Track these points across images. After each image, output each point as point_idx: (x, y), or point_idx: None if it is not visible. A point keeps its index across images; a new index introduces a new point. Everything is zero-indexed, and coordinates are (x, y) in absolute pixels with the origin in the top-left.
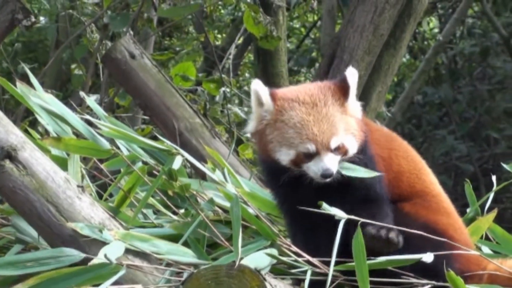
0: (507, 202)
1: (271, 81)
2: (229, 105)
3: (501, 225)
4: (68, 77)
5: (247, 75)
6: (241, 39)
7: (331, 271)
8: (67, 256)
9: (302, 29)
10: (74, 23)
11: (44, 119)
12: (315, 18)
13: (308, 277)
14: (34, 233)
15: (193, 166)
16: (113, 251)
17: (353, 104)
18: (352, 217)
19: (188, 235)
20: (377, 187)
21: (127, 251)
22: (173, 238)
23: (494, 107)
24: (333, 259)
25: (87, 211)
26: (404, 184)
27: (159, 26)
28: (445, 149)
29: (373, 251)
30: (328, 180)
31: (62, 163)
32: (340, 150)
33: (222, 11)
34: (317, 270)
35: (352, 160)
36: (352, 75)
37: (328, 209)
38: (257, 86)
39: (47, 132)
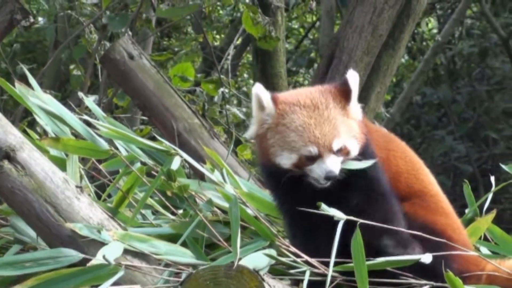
0: (505, 202)
1: (269, 82)
2: (227, 106)
3: (500, 226)
4: (67, 77)
5: (245, 75)
6: (240, 39)
7: (330, 271)
8: (66, 256)
9: (301, 30)
10: (73, 24)
11: (42, 120)
12: (314, 18)
13: (306, 277)
14: (32, 233)
15: (191, 166)
16: (111, 252)
17: (354, 106)
18: (351, 217)
19: (186, 236)
20: (382, 181)
21: (126, 251)
22: (171, 239)
23: (493, 107)
24: (332, 259)
25: (85, 211)
26: (402, 184)
27: (157, 26)
28: (444, 149)
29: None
30: (330, 182)
31: (61, 164)
32: (342, 152)
33: (221, 11)
34: (316, 270)
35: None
36: (353, 77)
37: (327, 210)
38: (258, 90)
39: (45, 132)
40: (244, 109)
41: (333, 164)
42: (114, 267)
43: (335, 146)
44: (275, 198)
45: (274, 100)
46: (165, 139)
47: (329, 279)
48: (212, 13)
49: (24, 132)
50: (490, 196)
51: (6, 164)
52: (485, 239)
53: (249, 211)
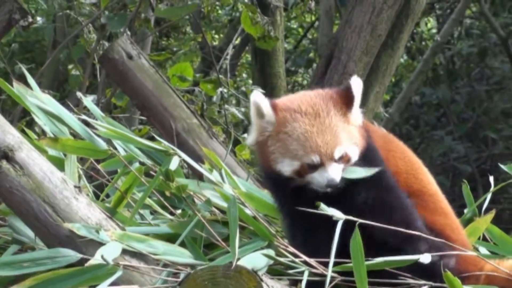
0: (505, 203)
1: (268, 82)
2: (226, 106)
3: (499, 226)
4: (65, 77)
5: (244, 75)
6: (239, 39)
7: (329, 272)
8: (64, 256)
9: (300, 30)
10: (71, 24)
11: (41, 120)
12: (313, 18)
13: (305, 277)
14: (30, 233)
15: (190, 166)
16: (110, 252)
17: (356, 112)
18: (350, 217)
19: (185, 236)
20: (386, 176)
21: (124, 251)
22: (170, 239)
23: (492, 107)
24: (332, 260)
25: (84, 211)
26: (402, 184)
27: (156, 26)
28: (443, 149)
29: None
30: (331, 189)
31: (59, 164)
32: (344, 159)
33: (220, 11)
34: (314, 270)
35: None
36: (357, 84)
37: (326, 210)
38: (257, 97)
39: (44, 132)
40: (242, 109)
41: (334, 172)
42: (112, 267)
43: (337, 154)
44: (275, 199)
45: (274, 107)
46: (164, 139)
47: (328, 279)
48: (211, 12)
49: (23, 132)
50: (489, 196)
51: (4, 164)
52: (484, 239)
53: (247, 211)
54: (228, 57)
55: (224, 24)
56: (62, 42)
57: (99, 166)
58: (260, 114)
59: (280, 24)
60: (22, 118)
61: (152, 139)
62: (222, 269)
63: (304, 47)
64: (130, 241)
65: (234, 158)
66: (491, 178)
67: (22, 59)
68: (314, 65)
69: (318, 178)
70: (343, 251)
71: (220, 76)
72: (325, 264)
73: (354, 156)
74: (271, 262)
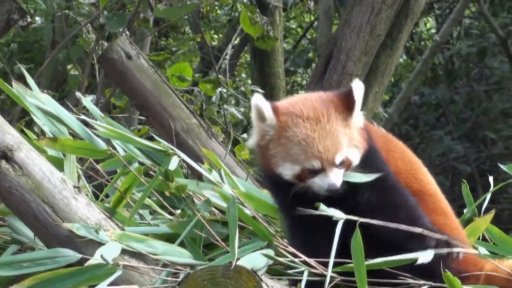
0: (504, 203)
1: (267, 82)
2: (225, 106)
3: (499, 226)
4: (64, 77)
5: (243, 75)
6: (238, 39)
7: (329, 272)
8: (63, 256)
9: (299, 30)
10: (70, 23)
11: (40, 120)
12: (312, 18)
13: (304, 277)
14: (30, 233)
15: (189, 166)
16: (109, 252)
17: (357, 115)
18: (350, 217)
19: (184, 236)
20: (388, 175)
21: (124, 251)
22: (169, 239)
23: (491, 107)
24: (332, 260)
25: (83, 211)
26: (402, 184)
27: (155, 26)
28: (442, 149)
29: None
30: (332, 194)
31: (58, 164)
32: (345, 164)
33: (219, 11)
34: (314, 270)
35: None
36: (358, 88)
37: (325, 210)
38: (258, 101)
39: (43, 132)
40: (242, 109)
41: (335, 177)
42: (111, 266)
43: (338, 160)
44: (276, 200)
45: (275, 111)
46: (163, 139)
47: (328, 279)
48: (210, 12)
49: (22, 132)
50: (488, 196)
51: (3, 164)
52: (484, 239)
53: (247, 211)
54: (227, 57)
55: (223, 24)
56: (61, 42)
57: (98, 166)
58: (262, 117)
59: (279, 24)
60: (21, 118)
61: (151, 139)
62: (221, 269)
63: (303, 47)
64: (129, 241)
65: (233, 158)
66: (491, 178)
67: (21, 59)
68: (313, 65)
69: (319, 183)
70: (343, 251)
71: (219, 76)
72: (325, 264)
73: (355, 160)
74: (271, 262)
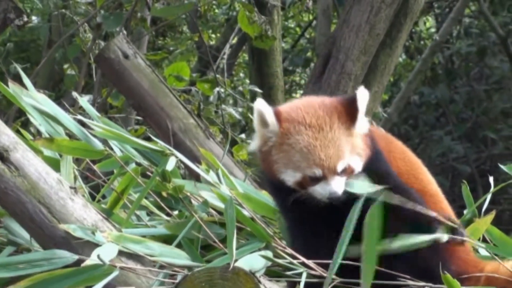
0: (505, 203)
1: (265, 81)
2: (223, 106)
3: (499, 227)
4: (61, 77)
5: (241, 75)
6: (236, 38)
7: (333, 270)
8: (60, 258)
9: (297, 29)
10: (67, 23)
11: (36, 120)
12: (310, 17)
13: (303, 279)
14: (26, 235)
15: (187, 167)
16: (106, 253)
17: (361, 122)
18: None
19: (182, 237)
20: (391, 175)
21: (120, 253)
22: (166, 240)
23: (491, 107)
24: (337, 262)
25: (79, 212)
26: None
27: (152, 25)
28: (442, 150)
29: None
30: (334, 202)
31: (55, 164)
32: (346, 172)
33: (217, 10)
34: (313, 272)
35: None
36: (363, 96)
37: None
38: (261, 106)
39: (39, 132)
40: (240, 109)
41: (337, 185)
42: (108, 267)
43: (340, 168)
44: (277, 204)
45: (278, 117)
46: (160, 139)
47: (329, 280)
48: (207, 12)
49: (18, 132)
50: (489, 197)
51: None
52: (484, 240)
53: (245, 212)
54: (225, 56)
55: (221, 23)
56: (58, 41)
57: (95, 167)
58: (264, 123)
59: (278, 23)
60: (17, 118)
61: (148, 139)
62: (219, 271)
63: (302, 47)
64: (126, 242)
65: (231, 158)
66: (491, 179)
67: (17, 59)
68: (312, 64)
69: (320, 191)
70: (344, 255)
71: (217, 75)
72: (324, 266)
73: (358, 167)
74: (269, 263)
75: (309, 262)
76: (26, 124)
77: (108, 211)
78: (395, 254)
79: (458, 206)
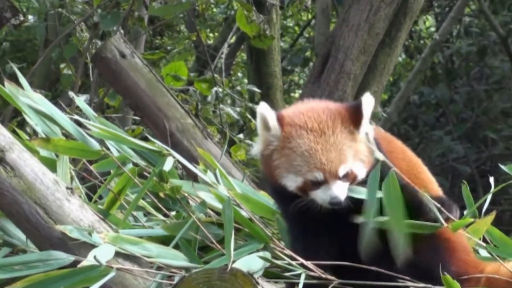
0: (505, 204)
1: (264, 81)
2: (221, 105)
3: (499, 228)
4: (57, 76)
5: (239, 74)
6: (234, 38)
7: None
8: (56, 259)
9: (296, 28)
10: (64, 22)
11: (32, 120)
12: (309, 16)
13: (302, 280)
14: (22, 235)
15: (184, 167)
16: (102, 254)
17: (365, 129)
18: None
19: (179, 238)
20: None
21: (117, 254)
22: (164, 241)
23: (491, 107)
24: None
25: (76, 213)
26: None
27: (150, 25)
28: (442, 150)
29: None
30: (336, 207)
31: (51, 165)
32: (349, 177)
33: (214, 9)
34: (311, 273)
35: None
36: (368, 102)
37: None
38: (264, 110)
39: (35, 132)
40: (238, 109)
41: (338, 190)
42: (104, 268)
43: (341, 172)
44: (278, 207)
45: (280, 121)
46: (158, 139)
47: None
48: (205, 11)
49: (14, 132)
50: (489, 197)
51: None
52: (484, 241)
53: (243, 212)
54: (223, 56)
55: (219, 22)
56: (54, 41)
57: (91, 167)
58: (266, 127)
59: (276, 23)
60: (13, 118)
61: (145, 139)
62: (217, 272)
63: (301, 46)
64: (123, 243)
65: (229, 158)
66: (491, 179)
67: (13, 58)
68: (311, 64)
69: (322, 196)
70: (343, 256)
71: (215, 75)
72: (322, 267)
73: (361, 174)
74: (267, 264)
75: (308, 263)
76: (22, 124)
77: (105, 211)
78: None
79: (458, 206)
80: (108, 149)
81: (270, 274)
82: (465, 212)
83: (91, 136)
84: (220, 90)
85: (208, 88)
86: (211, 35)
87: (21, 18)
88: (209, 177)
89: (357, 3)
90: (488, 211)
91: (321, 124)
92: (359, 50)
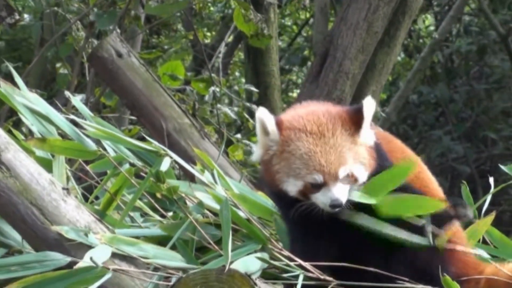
0: (505, 204)
1: (262, 80)
2: (218, 105)
3: (499, 228)
4: (53, 76)
5: (237, 74)
6: (231, 37)
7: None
8: (52, 260)
9: (294, 27)
10: (59, 21)
11: (28, 119)
12: (307, 15)
13: (300, 281)
14: (17, 236)
15: (181, 167)
16: (99, 255)
17: (366, 132)
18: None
19: (176, 239)
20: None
21: (114, 255)
22: (161, 242)
23: (491, 107)
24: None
25: (72, 214)
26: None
27: (146, 23)
28: (441, 150)
29: None
30: (337, 210)
31: (47, 165)
32: (349, 179)
33: (212, 8)
34: (310, 274)
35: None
36: (369, 106)
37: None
38: (262, 114)
39: (31, 132)
40: (235, 109)
41: (339, 192)
42: (101, 269)
43: (341, 174)
44: (279, 211)
45: (279, 125)
46: (154, 139)
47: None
48: (202, 10)
49: (9, 132)
50: (489, 197)
51: None
52: (484, 241)
53: (240, 213)
54: (221, 55)
55: (216, 21)
56: (50, 40)
57: (88, 167)
58: (265, 131)
59: (274, 22)
60: (9, 118)
61: (142, 139)
62: (214, 273)
63: (299, 45)
64: (119, 244)
65: (226, 159)
66: (491, 179)
67: (9, 58)
68: (309, 63)
69: (322, 198)
70: (343, 257)
71: (212, 74)
72: (321, 268)
73: (362, 176)
74: (265, 265)
75: (306, 264)
76: (18, 124)
77: (101, 212)
78: (394, 255)
79: None
80: (105, 149)
81: (268, 275)
82: None
83: (87, 136)
84: (218, 89)
85: (205, 87)
86: (208, 34)
87: (17, 17)
88: (206, 177)
89: (355, 2)
90: (487, 212)
91: (320, 126)
92: (357, 49)
